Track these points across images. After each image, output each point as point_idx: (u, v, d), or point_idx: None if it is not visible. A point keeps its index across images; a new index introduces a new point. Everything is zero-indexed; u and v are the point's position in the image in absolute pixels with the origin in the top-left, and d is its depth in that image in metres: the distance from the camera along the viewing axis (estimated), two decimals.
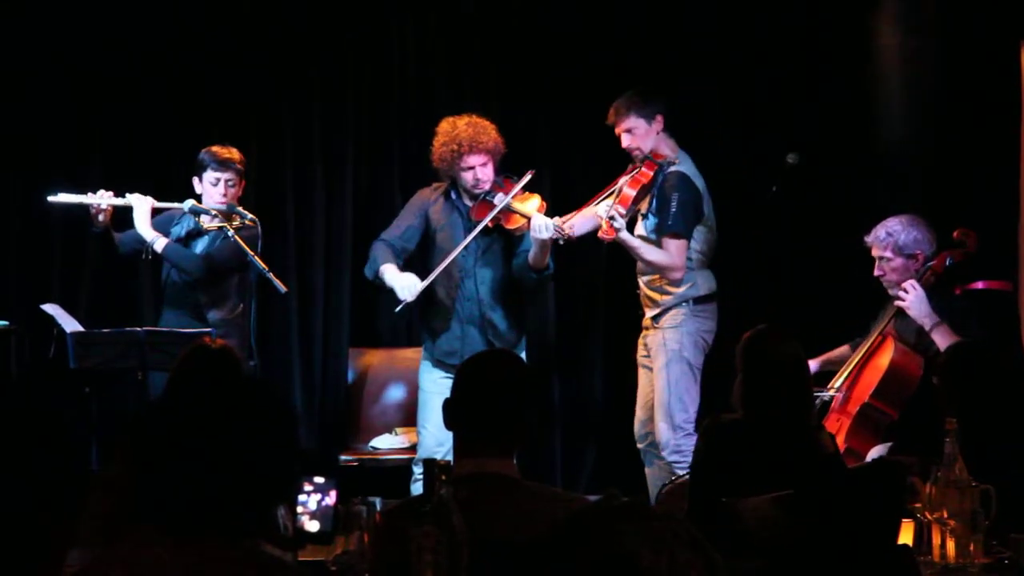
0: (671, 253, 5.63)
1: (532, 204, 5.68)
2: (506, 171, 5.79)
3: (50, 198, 5.63)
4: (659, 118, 5.73)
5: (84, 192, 5.61)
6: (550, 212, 5.67)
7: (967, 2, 6.28)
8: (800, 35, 6.55)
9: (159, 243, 5.64)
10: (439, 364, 5.77)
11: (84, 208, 5.61)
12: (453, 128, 5.70)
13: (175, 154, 6.27)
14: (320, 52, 6.77)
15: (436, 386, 5.69)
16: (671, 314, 5.69)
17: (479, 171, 5.68)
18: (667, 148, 5.72)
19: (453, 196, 5.80)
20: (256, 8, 6.71)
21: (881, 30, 6.42)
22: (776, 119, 6.48)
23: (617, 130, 5.76)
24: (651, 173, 5.66)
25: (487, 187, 5.71)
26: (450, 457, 2.90)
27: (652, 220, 5.70)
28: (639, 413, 5.85)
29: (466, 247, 5.68)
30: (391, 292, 5.66)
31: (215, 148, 5.74)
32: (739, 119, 6.59)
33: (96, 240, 5.81)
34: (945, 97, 6.29)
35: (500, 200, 5.66)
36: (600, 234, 5.56)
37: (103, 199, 5.58)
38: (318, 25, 6.74)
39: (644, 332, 5.83)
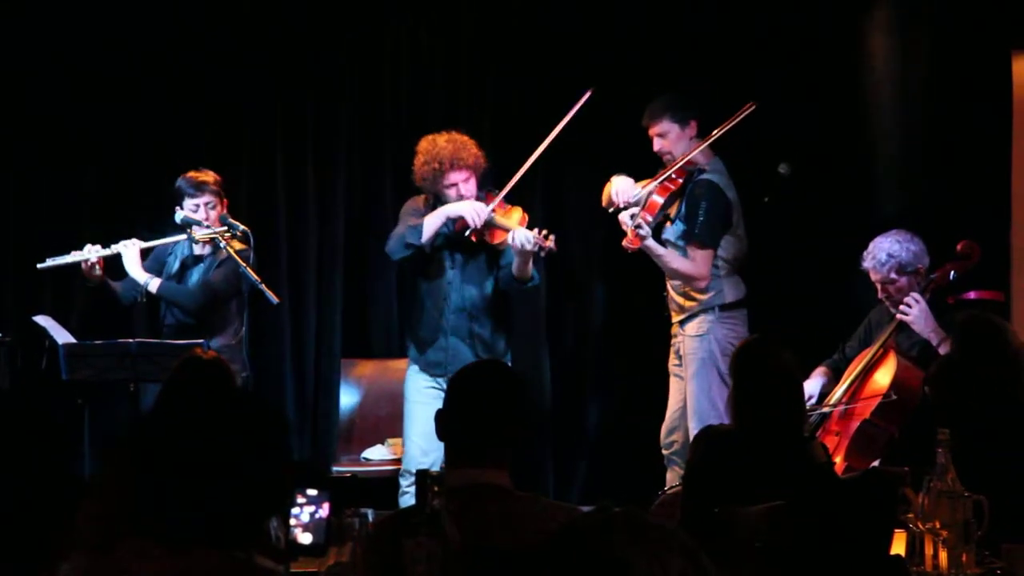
0: (696, 262, 5.66)
1: (514, 217, 5.68)
2: (490, 185, 5.77)
3: (40, 265, 5.66)
4: (693, 124, 5.75)
5: (70, 252, 5.63)
6: (542, 218, 5.65)
7: (959, 12, 6.28)
8: (794, 40, 6.53)
9: (153, 284, 5.67)
10: (424, 369, 5.78)
11: (76, 265, 5.62)
12: (433, 146, 5.68)
13: (174, 154, 6.27)
14: (319, 53, 6.74)
15: (421, 395, 5.72)
16: (697, 321, 5.70)
17: (462, 187, 5.68)
18: (700, 155, 5.72)
19: None
20: (256, 8, 6.70)
21: (874, 37, 6.43)
22: (773, 121, 6.46)
23: (650, 132, 5.78)
24: (680, 180, 5.71)
25: None
26: (437, 467, 2.90)
27: (679, 226, 5.72)
28: (667, 419, 5.87)
29: (452, 260, 5.71)
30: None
31: (190, 173, 5.75)
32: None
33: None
34: (936, 106, 6.29)
35: None
36: (624, 242, 5.57)
37: (91, 253, 5.61)
38: (318, 26, 6.73)
39: (673, 339, 5.84)
